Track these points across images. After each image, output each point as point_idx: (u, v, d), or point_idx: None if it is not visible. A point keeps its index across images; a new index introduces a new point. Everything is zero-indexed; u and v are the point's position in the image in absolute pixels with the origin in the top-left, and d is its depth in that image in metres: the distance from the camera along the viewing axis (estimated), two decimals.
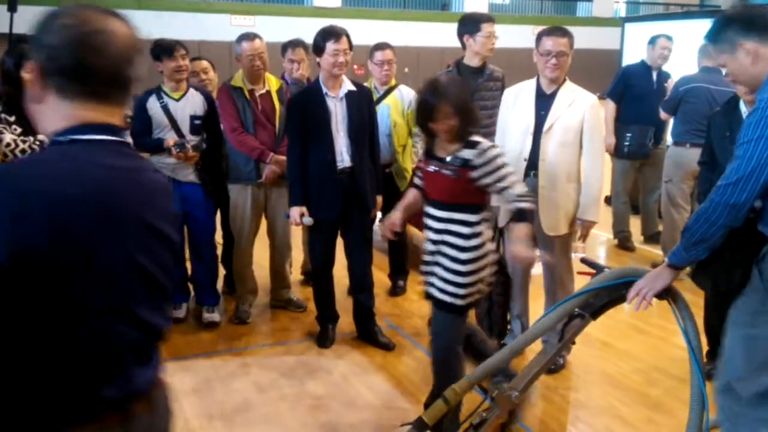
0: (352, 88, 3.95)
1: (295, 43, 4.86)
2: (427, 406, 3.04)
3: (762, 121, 2.15)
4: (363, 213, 4.05)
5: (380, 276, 4.91)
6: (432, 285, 2.98)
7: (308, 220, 3.92)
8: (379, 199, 4.19)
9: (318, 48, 3.84)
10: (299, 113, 3.90)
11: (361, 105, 3.97)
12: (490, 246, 2.97)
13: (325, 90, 3.88)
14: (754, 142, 2.14)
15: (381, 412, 3.42)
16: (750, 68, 2.29)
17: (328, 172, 3.88)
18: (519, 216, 2.88)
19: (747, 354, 2.31)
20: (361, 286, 4.19)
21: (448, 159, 2.88)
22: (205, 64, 4.82)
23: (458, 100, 2.84)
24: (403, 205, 3.19)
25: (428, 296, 3.03)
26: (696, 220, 2.29)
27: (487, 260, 2.94)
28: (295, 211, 3.93)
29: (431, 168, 2.95)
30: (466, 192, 2.87)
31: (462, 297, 2.90)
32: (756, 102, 2.24)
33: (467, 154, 2.85)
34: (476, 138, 2.90)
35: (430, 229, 2.96)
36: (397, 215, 3.15)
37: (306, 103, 3.91)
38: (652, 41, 5.84)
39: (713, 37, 2.39)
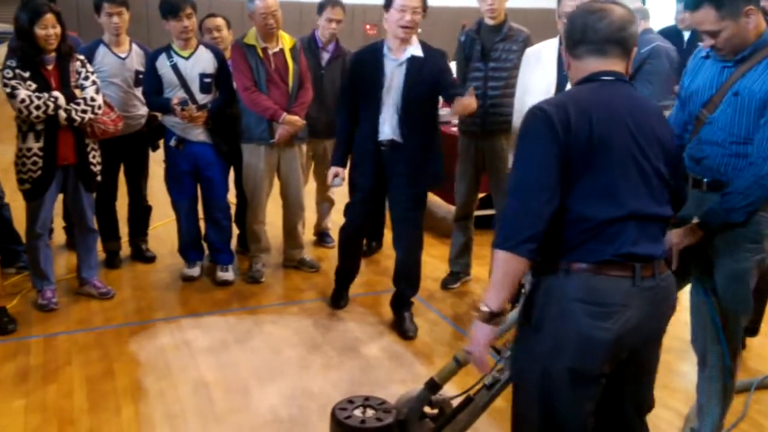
0: (419, 53, 3.56)
1: (335, 2, 4.67)
2: None
3: None
4: (406, 191, 3.69)
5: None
6: None
7: (338, 181, 3.85)
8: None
9: (387, 2, 3.52)
10: (354, 72, 3.71)
11: (423, 73, 3.53)
12: None
13: (385, 51, 3.58)
14: None
15: (394, 372, 3.45)
16: (749, 32, 2.28)
17: (367, 141, 3.66)
18: None
19: None
20: (402, 272, 3.86)
21: None
22: (219, 21, 4.68)
23: None
24: None
25: None
26: (751, 186, 2.31)
27: None
28: (331, 171, 3.84)
29: None
30: None
31: None
32: None
33: None
34: None
35: None
36: None
37: (363, 62, 3.64)
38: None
39: (717, 2, 2.24)
